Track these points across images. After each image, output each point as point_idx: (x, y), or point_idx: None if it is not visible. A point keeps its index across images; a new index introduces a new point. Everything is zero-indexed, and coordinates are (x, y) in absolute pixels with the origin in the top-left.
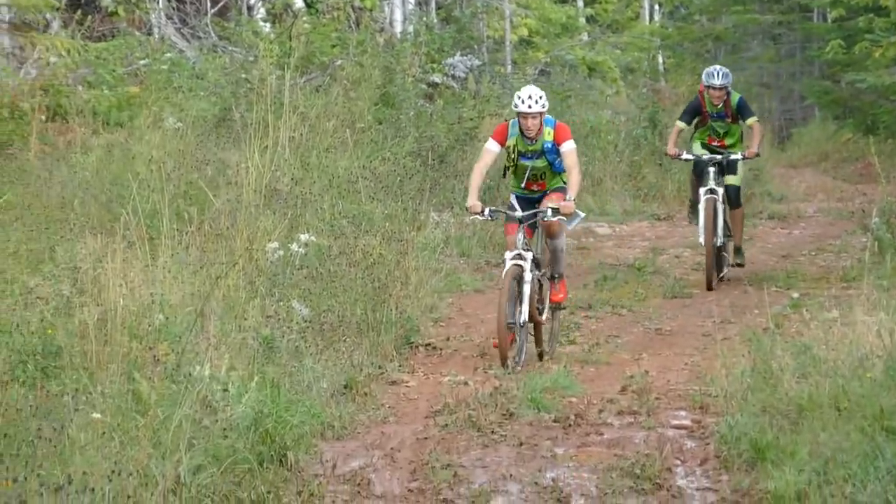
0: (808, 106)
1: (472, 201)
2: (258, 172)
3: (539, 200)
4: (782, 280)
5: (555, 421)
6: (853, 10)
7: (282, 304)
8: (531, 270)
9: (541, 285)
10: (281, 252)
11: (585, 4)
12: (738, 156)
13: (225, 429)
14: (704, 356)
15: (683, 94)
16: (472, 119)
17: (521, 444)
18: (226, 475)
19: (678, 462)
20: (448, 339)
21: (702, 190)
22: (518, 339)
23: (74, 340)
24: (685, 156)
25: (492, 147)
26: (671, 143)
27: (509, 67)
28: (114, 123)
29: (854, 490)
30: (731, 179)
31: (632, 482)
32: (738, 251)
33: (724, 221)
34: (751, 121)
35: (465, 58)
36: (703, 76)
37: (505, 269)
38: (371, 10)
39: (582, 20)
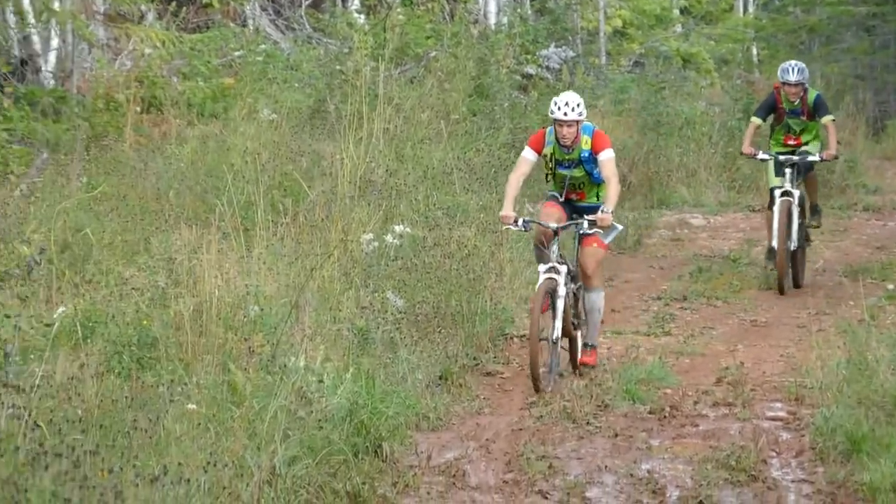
0: None
1: (507, 211)
2: (353, 164)
3: (579, 212)
4: (877, 272)
5: (650, 412)
6: None
7: (376, 295)
8: (566, 284)
9: (576, 298)
10: (376, 243)
11: None
12: (817, 157)
13: (320, 420)
14: (799, 348)
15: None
16: None
17: (616, 436)
18: (321, 466)
19: (773, 454)
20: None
21: (777, 192)
22: (551, 356)
23: (170, 331)
24: (761, 155)
25: (528, 156)
26: (747, 141)
27: (604, 59)
28: (208, 115)
29: None
30: (810, 157)
31: (727, 474)
32: (815, 210)
33: (801, 225)
34: (826, 119)
35: (559, 49)
36: (779, 72)
37: (538, 283)
38: (465, 2)
39: (676, 11)
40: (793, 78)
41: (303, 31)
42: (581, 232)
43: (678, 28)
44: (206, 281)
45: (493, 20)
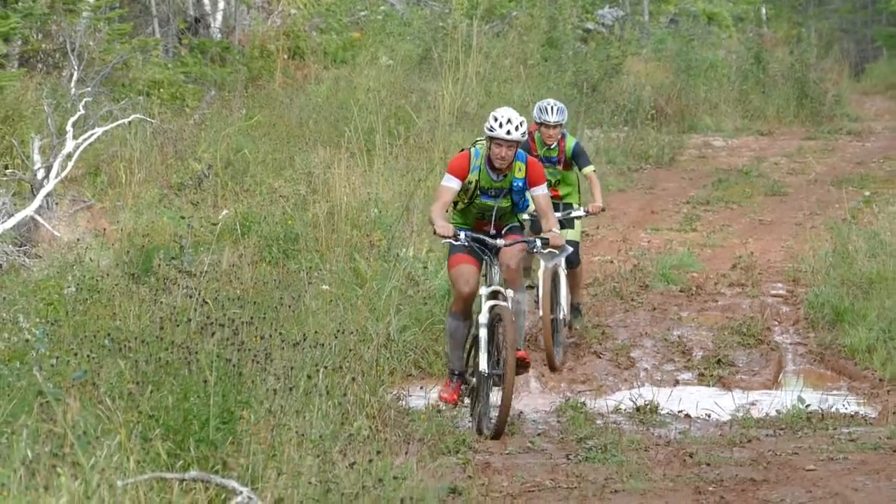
0: (878, 47)
1: (441, 222)
2: (451, 99)
3: (492, 238)
4: (857, 182)
5: (680, 291)
6: None
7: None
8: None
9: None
10: None
11: None
12: (581, 212)
13: (424, 297)
14: (796, 241)
15: (781, 37)
16: (617, 57)
17: (654, 309)
18: (425, 333)
19: (776, 323)
20: (597, 227)
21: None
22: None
23: (308, 229)
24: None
25: (451, 184)
26: None
27: (646, 17)
28: (339, 61)
29: None
30: (569, 234)
31: (739, 338)
32: (575, 310)
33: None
34: (587, 170)
35: (612, 10)
36: (535, 111)
37: (482, 314)
38: None
39: None
40: (552, 118)
41: None
42: (534, 251)
43: None
44: (337, 190)
45: None
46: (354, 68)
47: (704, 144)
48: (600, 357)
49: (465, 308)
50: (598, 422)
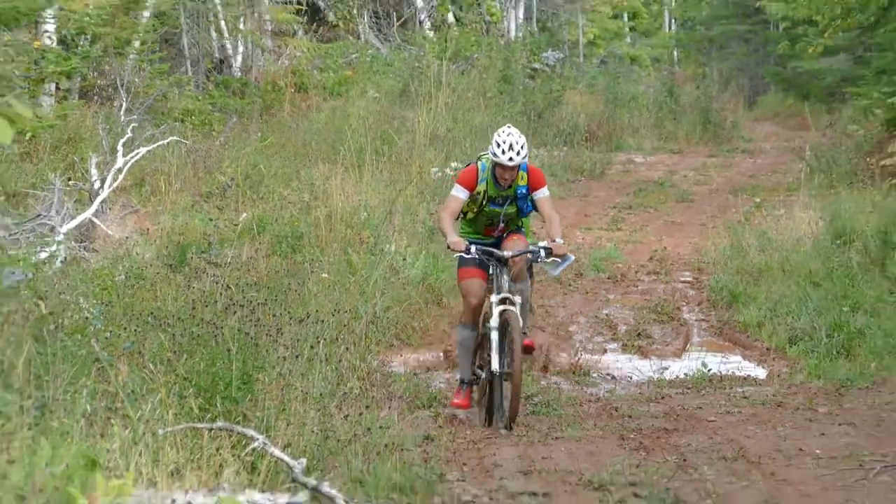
0: (767, 82)
1: (454, 238)
2: (425, 124)
3: (495, 245)
4: (749, 191)
5: (608, 278)
6: (795, 22)
7: (439, 205)
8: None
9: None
10: (440, 174)
11: (629, 18)
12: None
13: (404, 283)
14: (701, 238)
15: (690, 75)
16: (558, 91)
17: (587, 293)
18: (404, 312)
19: (684, 303)
20: (541, 227)
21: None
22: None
23: (311, 229)
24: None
25: (460, 194)
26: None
27: (581, 58)
28: (336, 94)
29: (792, 320)
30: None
31: (655, 316)
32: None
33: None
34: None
35: (554, 52)
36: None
37: (492, 318)
38: (496, 23)
39: (627, 28)
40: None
41: (395, 42)
42: (538, 261)
43: (628, 39)
44: (334, 197)
45: (513, 34)
46: (348, 100)
47: (628, 161)
48: (543, 331)
49: (474, 318)
50: (543, 383)
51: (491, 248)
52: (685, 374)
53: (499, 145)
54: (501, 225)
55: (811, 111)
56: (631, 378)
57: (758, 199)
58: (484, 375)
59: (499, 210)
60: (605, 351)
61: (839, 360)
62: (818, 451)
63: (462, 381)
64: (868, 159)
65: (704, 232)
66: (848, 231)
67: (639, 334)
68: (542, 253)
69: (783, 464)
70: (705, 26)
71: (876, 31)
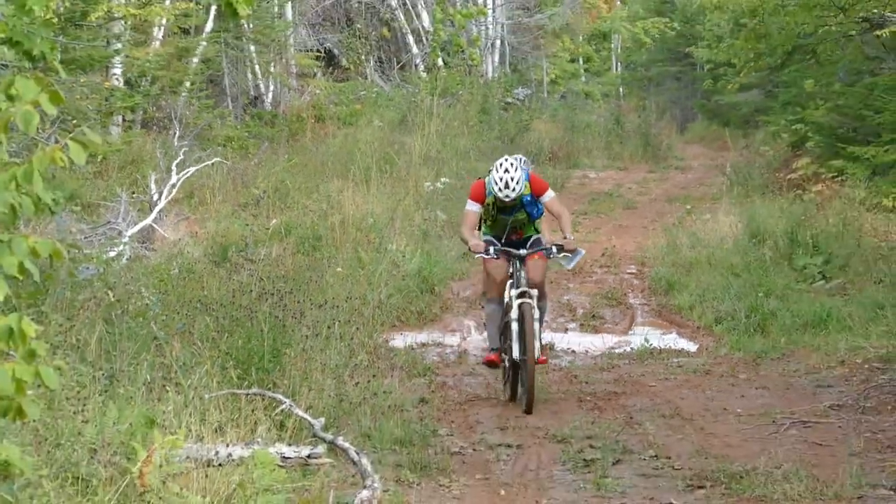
0: (695, 112)
1: (474, 241)
2: (420, 147)
3: (517, 247)
4: (682, 199)
5: (569, 270)
6: (717, 64)
7: (431, 212)
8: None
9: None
10: (432, 187)
11: (583, 62)
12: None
13: (403, 275)
14: (644, 237)
15: (633, 106)
16: (526, 120)
17: (552, 283)
18: (404, 299)
19: (630, 291)
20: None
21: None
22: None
23: (328, 232)
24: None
25: (473, 208)
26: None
27: (545, 94)
28: (347, 124)
29: (717, 304)
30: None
31: (606, 301)
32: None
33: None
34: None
35: (524, 89)
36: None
37: (513, 309)
38: (476, 66)
39: (582, 69)
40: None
41: (395, 81)
42: (551, 257)
43: (583, 78)
44: (346, 206)
45: (490, 74)
46: (357, 128)
47: (583, 176)
48: None
49: (500, 292)
50: None
51: (508, 249)
52: (631, 348)
53: (496, 183)
54: (517, 229)
55: (731, 135)
56: (587, 352)
57: (689, 207)
58: (507, 361)
59: (507, 218)
60: (566, 330)
61: (755, 336)
62: (739, 410)
63: (492, 349)
64: (777, 174)
65: (646, 233)
66: (762, 232)
67: (594, 316)
68: (554, 249)
69: (711, 420)
70: (645, 68)
71: (782, 71)
